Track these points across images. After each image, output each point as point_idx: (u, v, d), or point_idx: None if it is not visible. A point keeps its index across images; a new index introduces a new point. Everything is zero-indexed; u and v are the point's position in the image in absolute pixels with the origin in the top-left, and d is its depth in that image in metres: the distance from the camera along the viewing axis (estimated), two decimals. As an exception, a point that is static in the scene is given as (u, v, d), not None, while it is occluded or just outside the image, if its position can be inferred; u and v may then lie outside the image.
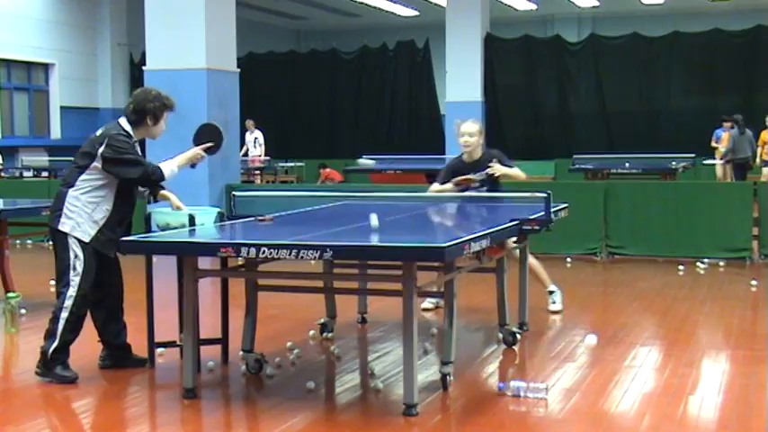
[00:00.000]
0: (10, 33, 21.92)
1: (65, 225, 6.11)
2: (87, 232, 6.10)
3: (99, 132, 6.22)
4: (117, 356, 6.48)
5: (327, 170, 20.84)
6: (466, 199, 7.95)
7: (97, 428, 5.52)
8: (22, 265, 8.16)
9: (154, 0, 13.11)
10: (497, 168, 7.81)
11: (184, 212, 6.26)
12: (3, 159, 19.99)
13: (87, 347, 6.50)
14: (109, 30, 24.73)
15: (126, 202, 6.28)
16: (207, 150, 6.50)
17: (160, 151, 12.89)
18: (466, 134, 7.92)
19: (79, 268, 6.09)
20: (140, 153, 6.36)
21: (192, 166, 6.53)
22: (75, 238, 6.07)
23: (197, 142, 6.52)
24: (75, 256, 6.09)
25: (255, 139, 21.75)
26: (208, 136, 6.55)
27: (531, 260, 8.00)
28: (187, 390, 5.72)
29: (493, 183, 7.93)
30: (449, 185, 7.94)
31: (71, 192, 6.14)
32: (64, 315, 6.08)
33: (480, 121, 8.14)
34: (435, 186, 8.11)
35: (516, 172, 7.95)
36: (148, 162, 6.22)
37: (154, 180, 6.21)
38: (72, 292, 6.08)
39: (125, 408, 5.70)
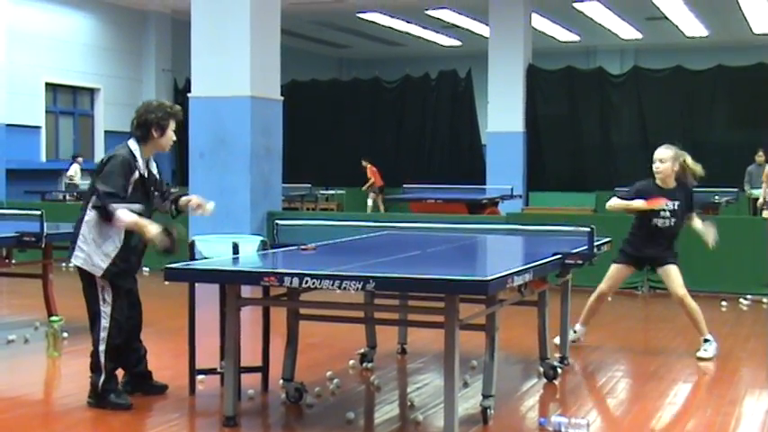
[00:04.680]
0: (57, 58, 22.21)
1: (77, 258, 6.04)
2: (99, 266, 5.99)
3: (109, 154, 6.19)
4: (137, 383, 6.44)
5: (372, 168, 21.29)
6: (508, 232, 7.94)
7: (137, 454, 5.55)
8: (65, 288, 8.21)
9: (200, 27, 13.24)
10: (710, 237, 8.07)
11: (228, 240, 6.27)
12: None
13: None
14: (154, 56, 24.96)
15: (135, 233, 6.07)
16: (164, 249, 5.95)
17: (202, 175, 13.09)
18: (657, 159, 7.84)
19: (108, 298, 6.03)
20: (159, 174, 6.29)
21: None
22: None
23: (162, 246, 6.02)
24: (102, 288, 6.04)
25: None
26: (170, 246, 5.98)
27: (692, 305, 7.92)
28: (227, 418, 5.73)
29: (680, 220, 7.95)
30: (637, 203, 7.77)
31: (84, 220, 6.06)
32: (102, 348, 6.05)
33: (675, 148, 7.91)
34: (615, 201, 7.97)
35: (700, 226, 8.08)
36: (117, 200, 5.88)
37: (103, 207, 5.87)
38: (105, 323, 6.03)
39: (165, 434, 5.71)
